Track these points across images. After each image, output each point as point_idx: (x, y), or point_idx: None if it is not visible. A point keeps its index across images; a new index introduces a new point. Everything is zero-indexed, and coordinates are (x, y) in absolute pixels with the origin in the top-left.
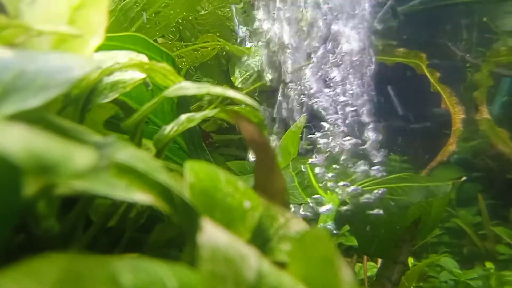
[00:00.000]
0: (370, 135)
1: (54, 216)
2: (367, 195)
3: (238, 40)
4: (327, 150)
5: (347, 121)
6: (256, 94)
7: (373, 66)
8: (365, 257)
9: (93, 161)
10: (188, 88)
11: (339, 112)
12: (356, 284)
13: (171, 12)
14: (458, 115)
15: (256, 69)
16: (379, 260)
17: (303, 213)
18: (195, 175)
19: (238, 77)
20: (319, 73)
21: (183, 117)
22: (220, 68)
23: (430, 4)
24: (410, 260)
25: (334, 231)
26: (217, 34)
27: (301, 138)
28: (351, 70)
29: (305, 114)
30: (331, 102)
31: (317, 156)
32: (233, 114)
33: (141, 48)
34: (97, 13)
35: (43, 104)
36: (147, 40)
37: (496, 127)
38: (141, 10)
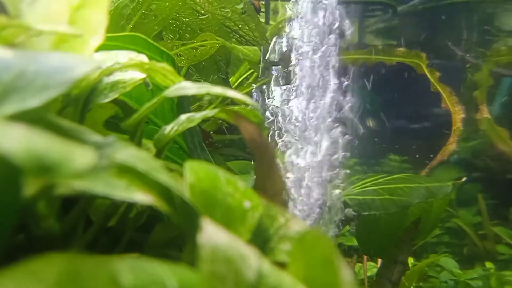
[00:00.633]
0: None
1: (54, 216)
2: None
3: None
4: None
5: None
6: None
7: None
8: (365, 257)
9: (93, 161)
10: (188, 88)
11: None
12: (356, 284)
13: (167, 4)
14: (458, 114)
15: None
16: (379, 260)
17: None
18: (195, 175)
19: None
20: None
21: (183, 117)
22: (219, 73)
23: (430, 4)
24: (410, 260)
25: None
26: (216, 35)
27: None
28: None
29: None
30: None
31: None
32: (233, 114)
33: (141, 48)
34: (97, 13)
35: (43, 104)
36: (147, 40)
37: (496, 126)
38: (136, 6)
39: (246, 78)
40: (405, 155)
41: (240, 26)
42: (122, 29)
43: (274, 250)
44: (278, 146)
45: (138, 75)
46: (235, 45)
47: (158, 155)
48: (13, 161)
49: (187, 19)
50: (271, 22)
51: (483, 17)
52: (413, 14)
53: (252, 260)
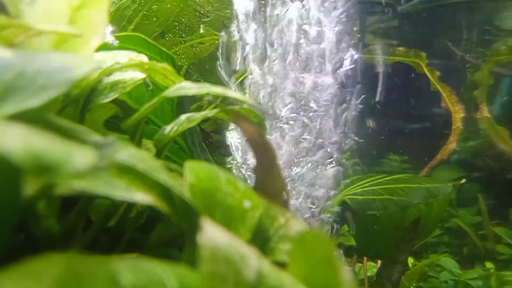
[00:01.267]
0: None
1: (54, 216)
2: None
3: None
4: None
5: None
6: None
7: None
8: (365, 257)
9: (93, 161)
10: (188, 88)
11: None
12: (356, 284)
13: (168, 6)
14: (458, 113)
15: None
16: (379, 260)
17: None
18: (195, 175)
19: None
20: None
21: (183, 117)
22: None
23: (430, 4)
24: (410, 260)
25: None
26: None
27: None
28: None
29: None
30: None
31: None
32: (233, 114)
33: (141, 48)
34: (97, 13)
35: (43, 104)
36: (147, 40)
37: (496, 126)
38: (138, 7)
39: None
40: (405, 155)
41: None
42: (123, 30)
43: (274, 250)
44: None
45: (138, 75)
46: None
47: (158, 155)
48: (13, 161)
49: (188, 20)
50: None
51: (483, 17)
52: (413, 14)
53: (252, 260)
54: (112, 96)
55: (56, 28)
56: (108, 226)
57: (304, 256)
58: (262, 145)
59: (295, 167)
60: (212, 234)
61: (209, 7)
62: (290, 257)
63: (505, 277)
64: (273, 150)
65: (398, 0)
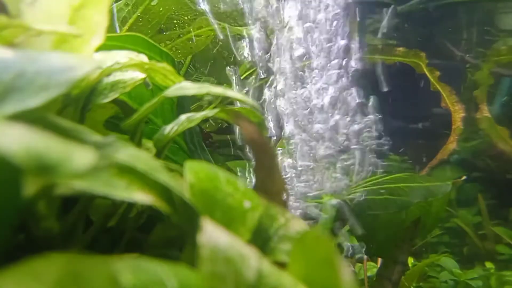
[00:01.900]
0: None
1: (54, 216)
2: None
3: None
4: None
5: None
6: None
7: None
8: (365, 257)
9: (93, 161)
10: (188, 88)
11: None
12: (356, 284)
13: (161, 9)
14: (458, 113)
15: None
16: (379, 260)
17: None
18: (195, 175)
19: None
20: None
21: (183, 117)
22: (228, 67)
23: (430, 4)
24: (410, 260)
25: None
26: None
27: None
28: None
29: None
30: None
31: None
32: (233, 114)
33: (141, 48)
34: (97, 13)
35: (43, 104)
36: (147, 40)
37: (496, 125)
38: (131, 9)
39: (246, 78)
40: (405, 155)
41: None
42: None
43: (274, 250)
44: None
45: (138, 75)
46: (228, 25)
47: (158, 155)
48: (13, 161)
49: (182, 19)
50: None
51: (483, 17)
52: (413, 13)
53: (252, 260)
54: (112, 96)
55: (56, 28)
56: (108, 226)
57: (304, 256)
58: (262, 145)
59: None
60: (212, 234)
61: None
62: (290, 257)
63: (505, 277)
64: (273, 150)
65: (398, 0)
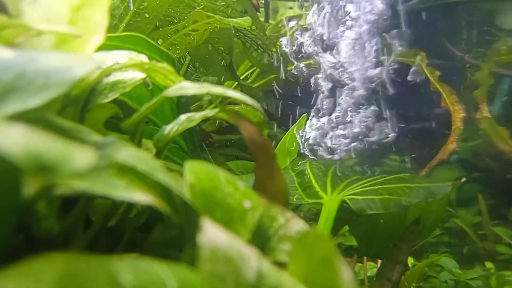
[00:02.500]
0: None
1: (54, 216)
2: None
3: None
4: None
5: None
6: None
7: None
8: (365, 257)
9: (93, 161)
10: (188, 88)
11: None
12: (356, 284)
13: (157, 2)
14: (458, 113)
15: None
16: (379, 260)
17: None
18: (195, 175)
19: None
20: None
21: (183, 117)
22: (223, 63)
23: (430, 4)
24: (410, 260)
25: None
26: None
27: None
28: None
29: (305, 114)
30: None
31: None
32: (233, 114)
33: (141, 48)
34: (97, 13)
35: (43, 104)
36: (147, 40)
37: (496, 125)
38: (127, 6)
39: (246, 78)
40: (405, 155)
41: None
42: (115, 29)
43: (274, 250)
44: None
45: (138, 75)
46: (226, 18)
47: (158, 155)
48: (13, 161)
49: (181, 13)
50: (270, 21)
51: (483, 17)
52: (413, 13)
53: (252, 260)
54: (112, 96)
55: (56, 28)
56: (108, 226)
57: (304, 256)
58: (262, 145)
59: None
60: (212, 234)
61: (202, 1)
62: (290, 257)
63: (505, 277)
64: (273, 150)
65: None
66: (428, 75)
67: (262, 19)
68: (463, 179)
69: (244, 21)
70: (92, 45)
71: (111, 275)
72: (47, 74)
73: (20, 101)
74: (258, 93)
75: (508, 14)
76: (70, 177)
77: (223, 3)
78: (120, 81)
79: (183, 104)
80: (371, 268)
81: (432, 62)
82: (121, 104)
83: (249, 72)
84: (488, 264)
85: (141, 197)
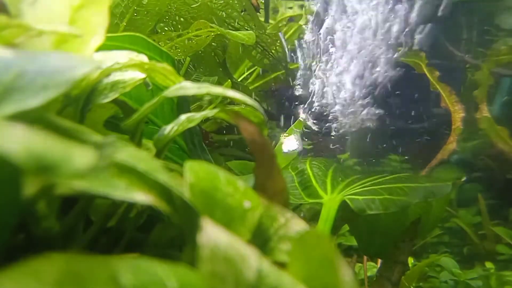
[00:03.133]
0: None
1: (54, 216)
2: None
3: None
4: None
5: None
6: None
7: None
8: (365, 257)
9: (93, 161)
10: (188, 88)
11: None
12: (356, 284)
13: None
14: (458, 113)
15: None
16: (379, 260)
17: None
18: (195, 175)
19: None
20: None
21: (183, 117)
22: (217, 61)
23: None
24: (410, 260)
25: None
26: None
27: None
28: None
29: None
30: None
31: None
32: (233, 114)
33: (141, 48)
34: (97, 13)
35: (43, 104)
36: (147, 40)
37: (496, 125)
38: (128, 3)
39: (246, 78)
40: (405, 155)
41: (241, 24)
42: (116, 28)
43: (274, 250)
44: None
45: (138, 75)
46: (229, 31)
47: (158, 155)
48: (13, 161)
49: (178, 10)
50: (270, 21)
51: (483, 17)
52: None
53: (252, 260)
54: (112, 96)
55: (56, 28)
56: (108, 226)
57: (304, 256)
58: (262, 145)
59: None
60: (212, 234)
61: None
62: (290, 257)
63: (505, 277)
64: (273, 150)
65: None
66: (428, 75)
67: (262, 19)
68: (463, 179)
69: (247, 37)
70: (92, 45)
71: (111, 275)
72: (47, 74)
73: (20, 101)
74: (251, 92)
75: (508, 14)
76: (70, 177)
77: (222, 1)
78: (120, 81)
79: (183, 104)
80: (371, 268)
81: (432, 62)
82: (121, 104)
83: (249, 72)
84: (488, 264)
85: (141, 197)
